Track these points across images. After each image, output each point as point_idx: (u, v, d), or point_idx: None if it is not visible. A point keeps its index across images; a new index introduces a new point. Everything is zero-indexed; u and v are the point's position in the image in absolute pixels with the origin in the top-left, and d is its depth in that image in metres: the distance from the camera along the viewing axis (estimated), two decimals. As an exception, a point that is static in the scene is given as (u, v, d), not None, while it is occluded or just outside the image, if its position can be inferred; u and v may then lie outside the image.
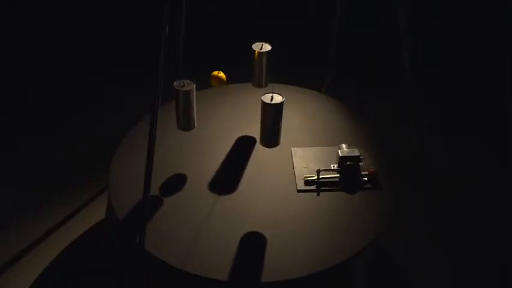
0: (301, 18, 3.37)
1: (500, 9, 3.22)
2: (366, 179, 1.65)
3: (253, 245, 1.47)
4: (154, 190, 1.59)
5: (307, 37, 3.19)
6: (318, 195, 1.63)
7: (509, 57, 3.09)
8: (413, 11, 1.97)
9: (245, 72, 1.94)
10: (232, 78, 2.01)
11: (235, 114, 1.94)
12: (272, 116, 1.52)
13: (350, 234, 1.51)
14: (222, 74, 1.81)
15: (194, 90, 1.58)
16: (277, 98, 1.50)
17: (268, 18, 3.33)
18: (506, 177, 2.36)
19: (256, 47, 1.76)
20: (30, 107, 2.70)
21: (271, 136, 1.57)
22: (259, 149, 1.79)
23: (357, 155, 1.65)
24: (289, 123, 1.85)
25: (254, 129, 1.87)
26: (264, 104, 1.50)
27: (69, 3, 3.35)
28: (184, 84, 1.57)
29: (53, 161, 2.38)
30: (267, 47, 1.76)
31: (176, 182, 1.66)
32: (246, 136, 1.84)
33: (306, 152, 1.76)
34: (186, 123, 1.64)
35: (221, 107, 1.98)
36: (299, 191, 1.63)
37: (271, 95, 1.51)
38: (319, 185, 1.64)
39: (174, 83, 1.58)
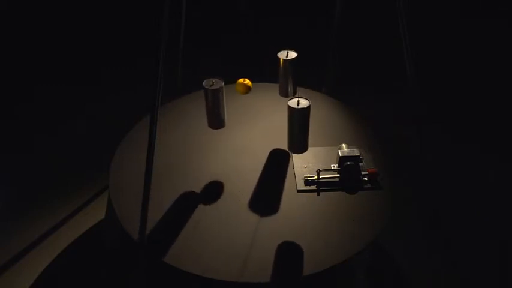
0: (301, 17, 3.37)
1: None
2: (365, 179, 1.65)
3: (252, 245, 1.47)
4: (155, 190, 1.59)
5: (307, 36, 3.19)
6: (318, 195, 1.63)
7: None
8: (414, 11, 1.97)
9: (245, 71, 1.94)
10: (231, 78, 2.01)
11: (235, 114, 1.94)
12: (300, 121, 1.50)
13: (350, 234, 1.51)
14: (247, 81, 1.78)
15: (223, 88, 1.59)
16: (303, 103, 1.48)
17: (268, 17, 3.33)
18: (506, 177, 2.36)
19: (281, 55, 1.70)
20: (31, 107, 2.70)
21: (300, 141, 1.56)
22: (259, 149, 1.79)
23: (356, 155, 1.65)
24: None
25: (254, 130, 1.87)
26: (291, 109, 1.48)
27: (73, 4, 3.36)
28: (213, 82, 1.58)
29: (53, 161, 2.38)
30: (293, 55, 1.70)
31: (176, 182, 1.66)
32: (245, 136, 1.84)
33: (306, 152, 1.76)
34: (217, 121, 1.65)
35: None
36: (299, 191, 1.63)
37: (297, 99, 1.49)
38: (319, 185, 1.64)
39: (203, 82, 1.58)
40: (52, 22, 3.29)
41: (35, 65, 3.01)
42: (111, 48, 3.16)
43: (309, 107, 1.49)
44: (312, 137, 1.83)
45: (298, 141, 1.56)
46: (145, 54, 2.73)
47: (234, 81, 2.06)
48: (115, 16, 3.37)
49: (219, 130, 1.76)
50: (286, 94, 1.77)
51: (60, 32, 3.24)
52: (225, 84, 1.60)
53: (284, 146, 1.75)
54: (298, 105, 1.49)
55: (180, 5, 1.99)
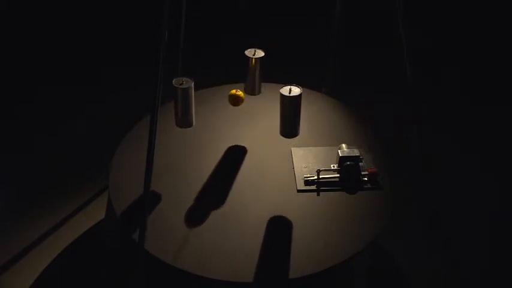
0: (302, 17, 3.37)
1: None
2: (365, 179, 1.65)
3: (253, 245, 1.47)
4: (155, 190, 1.59)
5: (307, 36, 3.19)
6: (318, 195, 1.63)
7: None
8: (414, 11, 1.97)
9: (245, 71, 1.94)
10: (230, 78, 2.01)
11: (235, 114, 1.94)
12: (292, 108, 1.56)
13: (350, 234, 1.51)
14: (240, 93, 1.78)
15: (192, 87, 1.59)
16: (295, 90, 1.55)
17: (268, 17, 3.32)
18: (506, 177, 2.36)
19: (249, 53, 1.72)
20: (31, 107, 2.70)
21: (291, 127, 1.61)
22: (259, 149, 1.79)
23: (356, 155, 1.65)
24: (289, 123, 1.85)
25: (254, 130, 1.87)
26: (283, 96, 1.55)
27: (73, 4, 3.36)
28: (182, 81, 1.58)
29: (53, 161, 2.38)
30: (260, 53, 1.72)
31: (176, 182, 1.66)
32: (246, 137, 1.84)
33: (306, 152, 1.76)
34: (184, 120, 1.65)
35: (221, 106, 1.97)
36: (299, 191, 1.63)
37: (289, 87, 1.55)
38: (319, 185, 1.64)
39: (173, 81, 1.59)
40: (52, 22, 3.29)
41: (35, 65, 3.00)
42: (111, 48, 3.16)
43: (300, 95, 1.54)
44: (312, 137, 1.84)
45: (290, 126, 1.61)
46: (145, 54, 2.73)
47: (234, 81, 2.06)
48: (115, 16, 3.37)
49: (219, 130, 1.77)
50: (252, 92, 1.79)
51: (60, 32, 3.24)
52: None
53: (285, 145, 1.75)
54: (290, 93, 1.54)
55: (180, 5, 1.99)
